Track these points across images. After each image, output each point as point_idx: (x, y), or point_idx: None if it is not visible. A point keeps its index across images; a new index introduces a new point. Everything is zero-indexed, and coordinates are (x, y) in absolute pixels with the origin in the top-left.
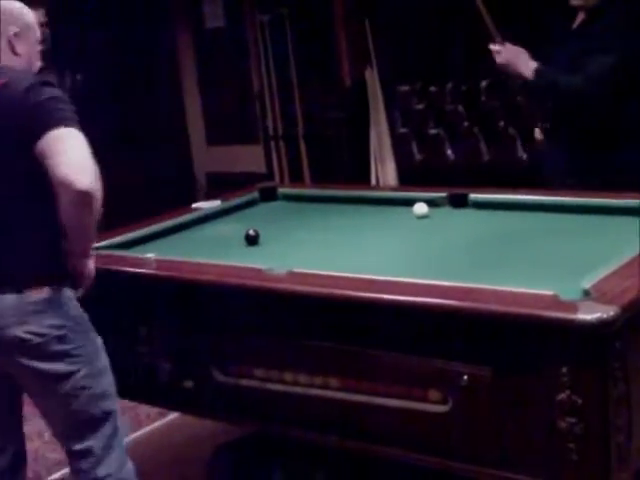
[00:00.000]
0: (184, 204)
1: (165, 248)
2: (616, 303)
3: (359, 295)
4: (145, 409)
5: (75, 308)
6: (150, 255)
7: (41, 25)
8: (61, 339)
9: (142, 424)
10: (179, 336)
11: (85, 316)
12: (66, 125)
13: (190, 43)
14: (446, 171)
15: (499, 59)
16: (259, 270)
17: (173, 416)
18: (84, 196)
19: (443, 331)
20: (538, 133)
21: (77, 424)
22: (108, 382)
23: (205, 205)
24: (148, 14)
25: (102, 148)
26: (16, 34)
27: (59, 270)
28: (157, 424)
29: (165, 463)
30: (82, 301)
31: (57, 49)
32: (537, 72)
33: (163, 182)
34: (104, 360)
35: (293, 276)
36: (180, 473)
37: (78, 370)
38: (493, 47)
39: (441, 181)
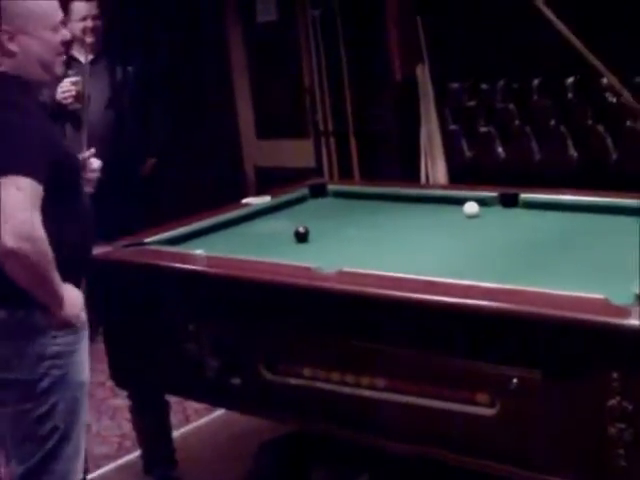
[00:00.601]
0: (234, 198)
1: (215, 244)
2: None
3: (407, 296)
4: (193, 405)
5: (38, 342)
6: (200, 251)
7: (93, 18)
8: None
9: (190, 419)
10: (227, 333)
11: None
12: (4, 173)
13: (241, 37)
14: (496, 169)
15: None
16: (308, 269)
17: (220, 412)
18: (7, 255)
19: (493, 333)
20: None
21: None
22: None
23: (255, 201)
24: (200, 8)
25: (152, 142)
26: (6, 31)
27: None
28: (204, 420)
29: (211, 459)
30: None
31: (108, 41)
32: None
33: (213, 176)
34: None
35: (342, 275)
36: (225, 469)
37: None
38: None
39: (491, 179)
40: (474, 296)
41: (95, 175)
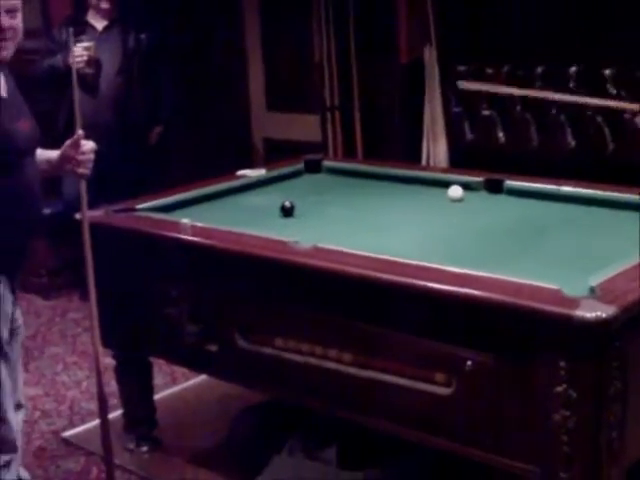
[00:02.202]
0: (242, 168)
1: (204, 214)
2: (618, 303)
3: (376, 276)
4: (181, 367)
5: None
6: (186, 220)
7: None
8: None
9: (177, 381)
10: (206, 301)
11: None
12: None
13: (256, 7)
14: (496, 153)
15: None
16: (284, 243)
17: (205, 376)
18: None
19: (451, 316)
20: None
21: None
22: None
23: (250, 173)
24: None
25: (160, 110)
26: None
27: None
28: (189, 383)
29: (191, 421)
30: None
31: (123, 8)
32: None
33: (222, 146)
34: None
35: (317, 251)
36: (203, 432)
37: None
38: None
39: (490, 163)
40: (436, 279)
41: (87, 157)
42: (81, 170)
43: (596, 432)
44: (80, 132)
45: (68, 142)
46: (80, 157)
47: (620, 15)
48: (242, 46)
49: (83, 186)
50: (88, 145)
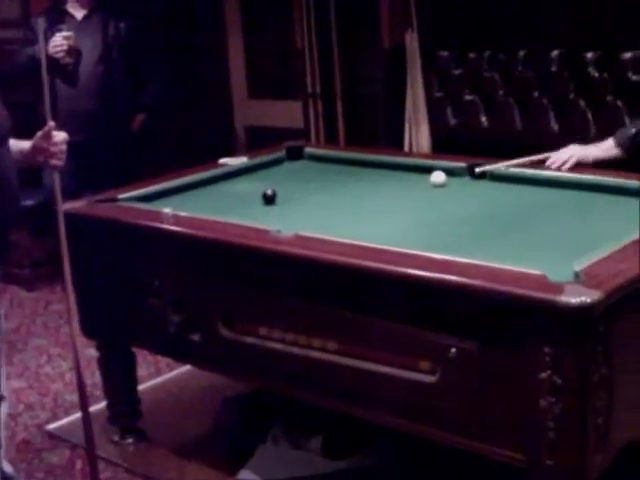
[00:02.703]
0: (224, 156)
1: (186, 203)
2: (602, 288)
3: (358, 263)
4: (166, 358)
5: None
6: (167, 210)
7: None
8: None
9: (161, 372)
10: (189, 290)
11: None
12: None
13: None
14: (479, 138)
15: (572, 161)
16: (266, 231)
17: (189, 366)
18: None
19: (435, 303)
20: None
21: None
22: None
23: (231, 161)
24: None
25: (142, 98)
26: None
27: None
28: (173, 373)
29: (175, 412)
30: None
31: None
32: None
33: (204, 134)
34: None
35: (299, 239)
36: (188, 423)
37: None
38: (557, 165)
39: (473, 148)
40: (419, 266)
41: (59, 148)
42: (53, 161)
43: (582, 418)
44: (51, 123)
45: (39, 133)
46: (52, 148)
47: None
48: (223, 33)
49: (56, 177)
50: (60, 136)
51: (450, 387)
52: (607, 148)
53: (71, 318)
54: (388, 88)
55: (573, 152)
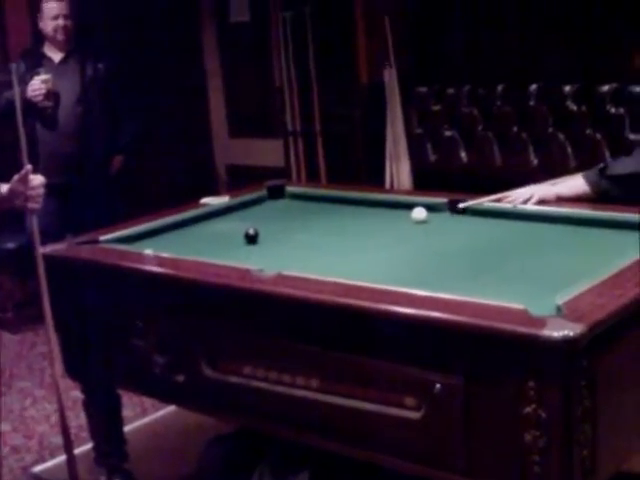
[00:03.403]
0: (206, 195)
1: (168, 244)
2: (584, 321)
3: (340, 302)
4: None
5: None
6: (149, 251)
7: (64, 17)
8: None
9: (147, 412)
10: (172, 331)
11: None
12: None
13: (215, 36)
14: (459, 173)
15: (533, 200)
16: (248, 271)
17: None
18: None
19: (418, 339)
20: None
21: None
22: None
23: (213, 201)
24: (174, 6)
25: (121, 140)
26: None
27: None
28: (159, 413)
29: (162, 452)
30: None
31: (80, 39)
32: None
33: (185, 174)
34: None
35: (281, 279)
36: (175, 463)
37: None
38: (516, 203)
39: (454, 183)
40: (402, 303)
41: (37, 192)
42: (31, 205)
43: (567, 451)
44: (28, 167)
45: (16, 177)
46: (29, 192)
47: (573, 33)
48: (202, 73)
49: (34, 220)
50: (37, 180)
51: (435, 423)
52: (574, 184)
53: (54, 360)
54: (368, 125)
55: (533, 191)
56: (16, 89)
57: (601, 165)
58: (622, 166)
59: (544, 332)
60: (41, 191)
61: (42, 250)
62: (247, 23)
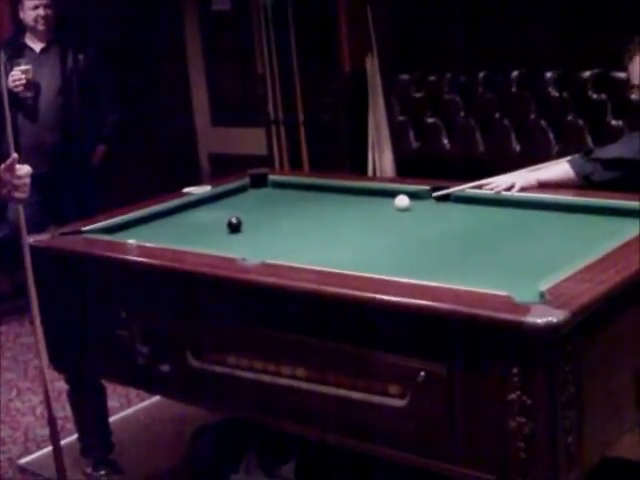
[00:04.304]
0: (189, 184)
1: (151, 233)
2: (568, 307)
3: (324, 290)
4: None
5: None
6: (132, 241)
7: (45, 6)
8: None
9: (132, 403)
10: (156, 321)
11: None
12: None
13: (197, 24)
14: (442, 160)
15: (515, 189)
16: (233, 260)
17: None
18: None
19: (402, 327)
20: None
21: None
22: None
23: (195, 190)
24: None
25: (103, 129)
26: None
27: None
28: (144, 404)
29: (148, 443)
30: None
31: (60, 28)
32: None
33: (168, 163)
34: None
35: (265, 267)
36: (160, 453)
37: None
38: (498, 190)
39: (436, 170)
40: (385, 291)
41: (23, 181)
42: (17, 194)
43: (552, 438)
44: (15, 156)
45: (2, 166)
46: (16, 181)
47: (554, 19)
48: (184, 62)
49: (21, 210)
50: (23, 169)
51: (420, 410)
52: (558, 169)
53: (40, 351)
54: (350, 113)
55: (515, 178)
56: (2, 78)
57: (586, 149)
58: (608, 151)
59: (528, 318)
60: (27, 180)
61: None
62: (228, 11)
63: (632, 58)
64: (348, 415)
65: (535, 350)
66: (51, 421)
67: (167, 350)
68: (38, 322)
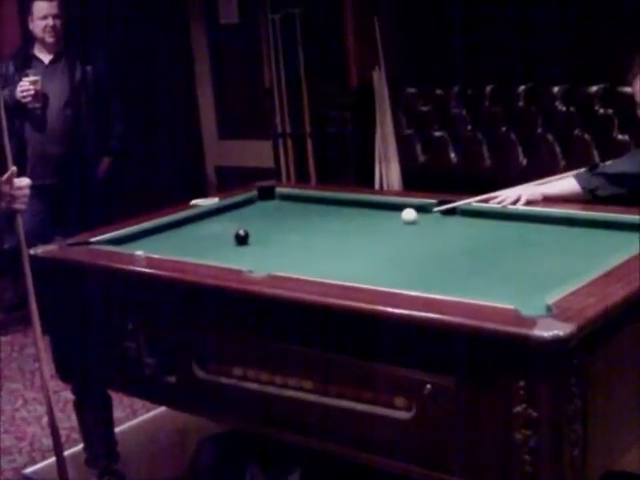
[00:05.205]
0: (196, 197)
1: (158, 245)
2: (575, 321)
3: (331, 302)
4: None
5: None
6: (139, 252)
7: (54, 17)
8: None
9: (137, 414)
10: (163, 332)
11: None
12: None
13: (204, 38)
14: (448, 173)
15: (522, 201)
16: (239, 272)
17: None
18: None
19: (409, 340)
20: None
21: None
22: None
23: (203, 202)
24: (164, 8)
25: (110, 142)
26: None
27: None
28: (150, 414)
29: (153, 453)
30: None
31: (69, 40)
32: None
33: (174, 175)
34: None
35: (272, 279)
36: (166, 464)
37: None
38: (505, 204)
39: (443, 184)
40: (392, 304)
41: (22, 193)
42: (16, 206)
43: (558, 450)
44: (13, 168)
45: (1, 179)
46: (15, 193)
47: (561, 34)
48: (192, 74)
49: (20, 221)
50: (23, 181)
51: (426, 423)
52: (564, 184)
53: (43, 362)
54: (357, 126)
55: (521, 191)
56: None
57: (592, 164)
58: (613, 166)
59: (534, 332)
60: (27, 192)
61: (33, 251)
62: (236, 25)
63: (635, 77)
64: (353, 427)
65: (541, 363)
66: (54, 432)
67: (173, 361)
68: (39, 331)
